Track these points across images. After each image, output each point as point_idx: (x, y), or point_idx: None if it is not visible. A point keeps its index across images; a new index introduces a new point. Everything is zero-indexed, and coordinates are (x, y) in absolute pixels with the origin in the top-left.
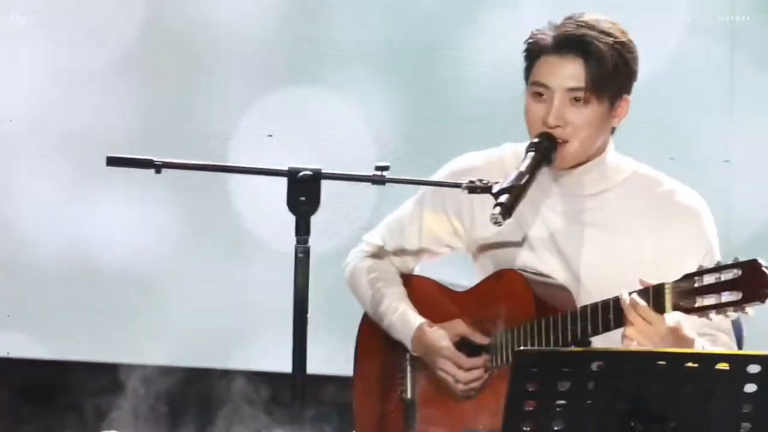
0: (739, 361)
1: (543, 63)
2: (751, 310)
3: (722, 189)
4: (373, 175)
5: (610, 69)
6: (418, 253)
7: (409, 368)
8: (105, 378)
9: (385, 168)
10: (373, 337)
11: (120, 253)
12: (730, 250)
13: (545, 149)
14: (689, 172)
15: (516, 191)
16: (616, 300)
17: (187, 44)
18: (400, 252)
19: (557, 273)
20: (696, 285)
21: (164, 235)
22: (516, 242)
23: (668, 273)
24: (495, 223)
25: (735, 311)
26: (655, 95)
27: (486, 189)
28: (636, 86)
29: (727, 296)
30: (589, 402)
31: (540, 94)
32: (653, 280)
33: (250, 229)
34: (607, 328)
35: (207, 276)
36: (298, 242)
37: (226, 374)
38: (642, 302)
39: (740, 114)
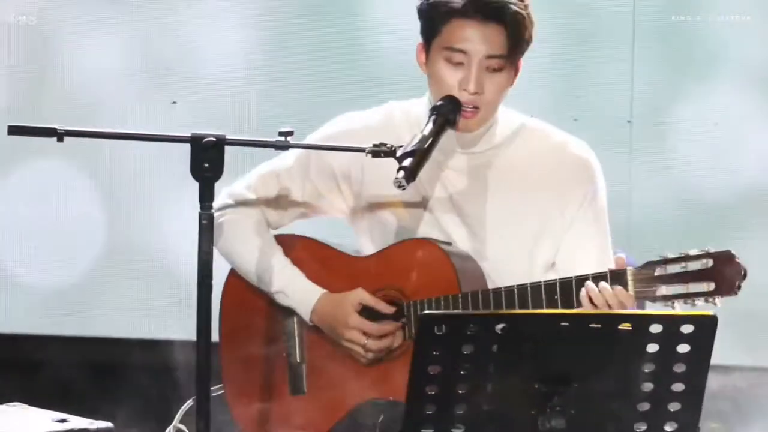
0: (641, 321)
1: (458, 27)
2: (720, 301)
3: (625, 149)
4: (277, 140)
5: (525, 36)
6: (296, 208)
7: (296, 330)
8: (10, 349)
9: (289, 133)
10: (242, 297)
11: (23, 223)
12: (632, 207)
13: (449, 112)
14: (593, 132)
15: (420, 155)
16: (565, 282)
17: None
18: (276, 206)
19: (458, 234)
20: (657, 273)
21: (66, 202)
22: (414, 203)
23: (565, 226)
24: (399, 186)
25: (705, 302)
26: (559, 57)
27: (390, 153)
28: (541, 49)
29: (697, 286)
30: (493, 364)
31: (455, 60)
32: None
33: (153, 195)
34: (551, 309)
35: (110, 243)
36: (202, 209)
37: (131, 343)
38: (612, 287)
39: (642, 75)
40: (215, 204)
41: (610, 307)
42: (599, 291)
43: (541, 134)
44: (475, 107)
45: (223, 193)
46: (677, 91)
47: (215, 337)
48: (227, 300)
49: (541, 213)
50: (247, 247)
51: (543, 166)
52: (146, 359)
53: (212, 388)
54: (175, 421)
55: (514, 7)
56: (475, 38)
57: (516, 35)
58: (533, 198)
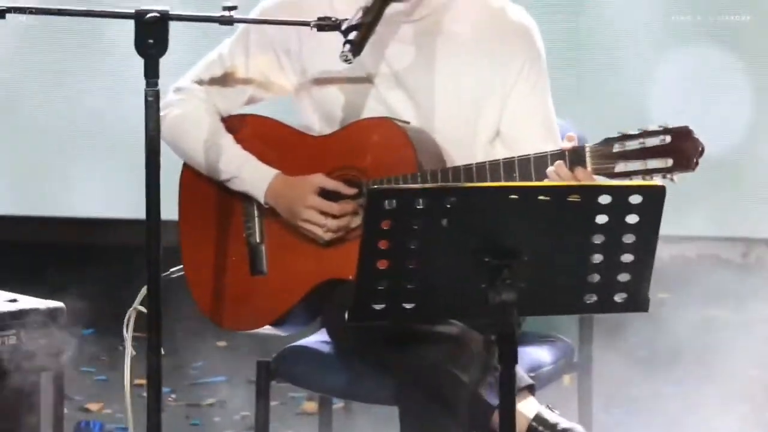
0: (589, 193)
1: None
2: (677, 177)
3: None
4: (221, 15)
5: None
6: (244, 91)
7: (256, 212)
8: None
9: (233, 8)
10: (201, 182)
11: None
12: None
13: None
14: None
15: (365, 27)
16: (524, 159)
17: None
18: (224, 92)
19: (404, 108)
20: (615, 149)
21: (19, 79)
22: (359, 78)
23: (506, 94)
24: (345, 60)
25: (663, 177)
26: None
27: (335, 26)
28: None
29: (654, 162)
30: (443, 238)
31: None
32: (566, 143)
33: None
34: None
35: (63, 120)
36: (147, 85)
37: (82, 222)
38: (574, 168)
39: None
40: (164, 100)
41: None
42: (555, 173)
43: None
44: None
45: (171, 88)
46: None
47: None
48: (185, 184)
49: (482, 81)
50: (194, 139)
51: (482, 33)
52: (107, 239)
53: (173, 269)
54: (136, 303)
55: None
56: None
57: None
58: (474, 66)
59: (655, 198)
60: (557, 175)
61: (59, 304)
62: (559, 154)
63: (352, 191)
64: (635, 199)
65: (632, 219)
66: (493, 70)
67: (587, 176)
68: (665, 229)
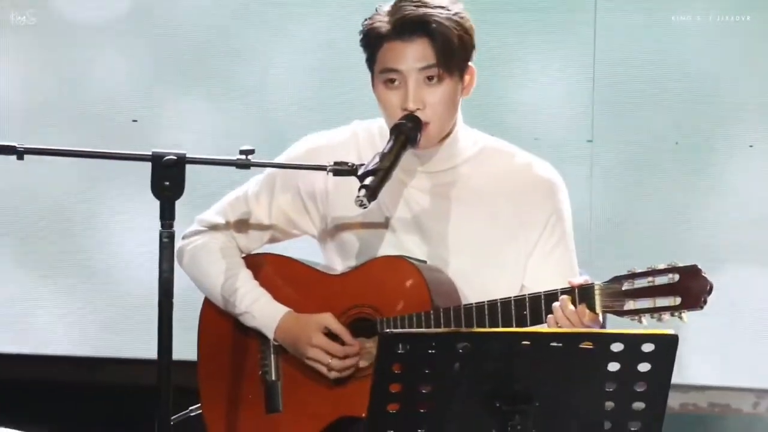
0: (602, 340)
1: (388, 49)
2: (686, 315)
3: (585, 167)
4: (238, 159)
5: (456, 42)
6: (265, 232)
7: (272, 349)
8: None
9: (250, 152)
10: (220, 318)
11: None
12: (593, 226)
13: (409, 131)
14: (554, 151)
15: (381, 173)
16: (534, 297)
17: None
18: (245, 230)
19: (419, 254)
20: (624, 288)
21: (26, 219)
22: (377, 224)
23: (528, 249)
24: (360, 205)
25: (671, 315)
26: (521, 79)
27: (351, 171)
28: (504, 70)
29: (663, 301)
30: (455, 383)
31: (392, 81)
32: (577, 280)
33: (117, 213)
34: (520, 325)
35: (74, 262)
36: (162, 227)
37: (94, 362)
38: (571, 307)
39: (602, 95)
40: (187, 230)
41: (572, 325)
42: (560, 309)
43: (505, 155)
44: (426, 123)
45: (195, 220)
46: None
47: (183, 356)
48: (204, 321)
49: (505, 235)
50: (213, 271)
51: (507, 188)
52: (118, 379)
53: (192, 407)
54: None
55: (436, 17)
56: (402, 55)
57: (442, 43)
58: (497, 219)
59: (667, 346)
60: (561, 311)
61: None
62: (568, 291)
63: (352, 341)
64: (648, 347)
65: (644, 367)
66: (517, 222)
67: (584, 315)
68: (676, 378)
